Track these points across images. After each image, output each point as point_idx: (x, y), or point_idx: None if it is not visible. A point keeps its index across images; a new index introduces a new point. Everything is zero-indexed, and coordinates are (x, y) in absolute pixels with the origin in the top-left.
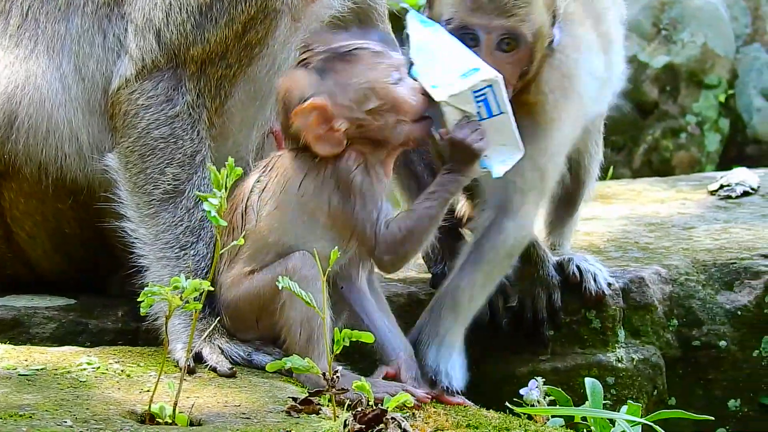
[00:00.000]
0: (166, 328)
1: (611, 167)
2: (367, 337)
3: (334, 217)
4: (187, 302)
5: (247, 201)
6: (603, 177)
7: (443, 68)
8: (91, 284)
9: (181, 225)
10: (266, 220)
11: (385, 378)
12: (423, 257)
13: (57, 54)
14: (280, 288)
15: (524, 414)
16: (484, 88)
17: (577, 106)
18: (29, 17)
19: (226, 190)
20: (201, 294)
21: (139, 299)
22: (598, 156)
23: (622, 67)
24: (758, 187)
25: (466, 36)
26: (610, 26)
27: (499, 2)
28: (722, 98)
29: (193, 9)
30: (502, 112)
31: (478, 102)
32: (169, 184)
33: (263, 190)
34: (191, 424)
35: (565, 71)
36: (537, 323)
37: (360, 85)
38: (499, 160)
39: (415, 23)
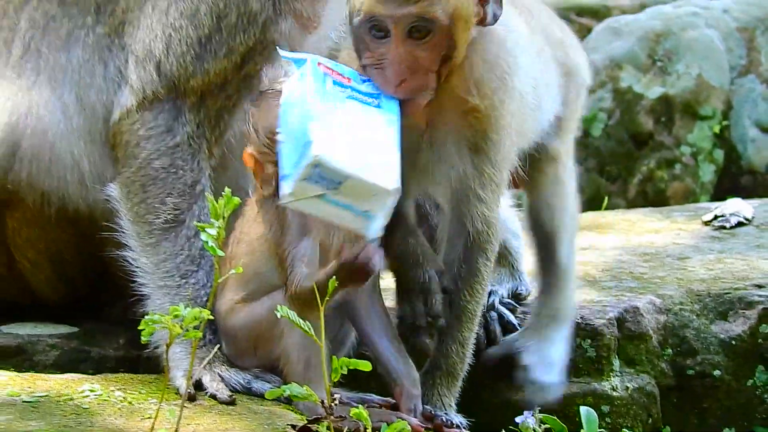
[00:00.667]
0: (166, 355)
1: (606, 197)
2: (364, 366)
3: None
4: (187, 330)
5: (239, 231)
6: (598, 207)
7: (290, 148)
8: (93, 311)
9: (182, 254)
10: (245, 250)
11: (384, 407)
12: None
13: (59, 84)
14: (278, 317)
15: None
16: (314, 168)
17: (520, 108)
18: (31, 48)
19: (224, 219)
20: (201, 322)
21: (140, 327)
22: (569, 204)
23: (552, 93)
24: (752, 217)
25: (375, 28)
26: (543, 32)
27: None
28: (717, 129)
29: (193, 41)
30: (346, 178)
31: (317, 183)
32: (169, 214)
33: (243, 222)
34: None
35: (506, 68)
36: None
37: (266, 128)
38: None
39: (287, 68)
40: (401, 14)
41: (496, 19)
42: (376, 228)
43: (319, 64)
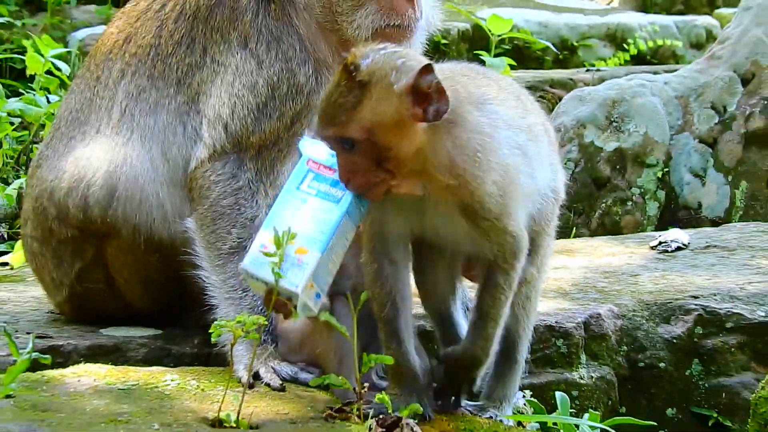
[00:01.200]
0: (231, 353)
1: (573, 228)
2: (387, 360)
3: None
4: (248, 333)
5: None
6: (567, 236)
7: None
8: (173, 318)
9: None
10: None
11: None
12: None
13: (148, 141)
14: (320, 320)
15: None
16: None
17: (504, 175)
18: (126, 113)
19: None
20: (258, 327)
21: (210, 330)
22: (533, 315)
23: (549, 177)
24: (689, 243)
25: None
26: (536, 124)
27: (326, 113)
28: (660, 174)
29: (252, 107)
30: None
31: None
32: (234, 242)
33: None
34: (251, 427)
35: (478, 147)
36: None
37: None
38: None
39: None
40: (325, 135)
41: (440, 114)
42: (302, 310)
43: (309, 161)
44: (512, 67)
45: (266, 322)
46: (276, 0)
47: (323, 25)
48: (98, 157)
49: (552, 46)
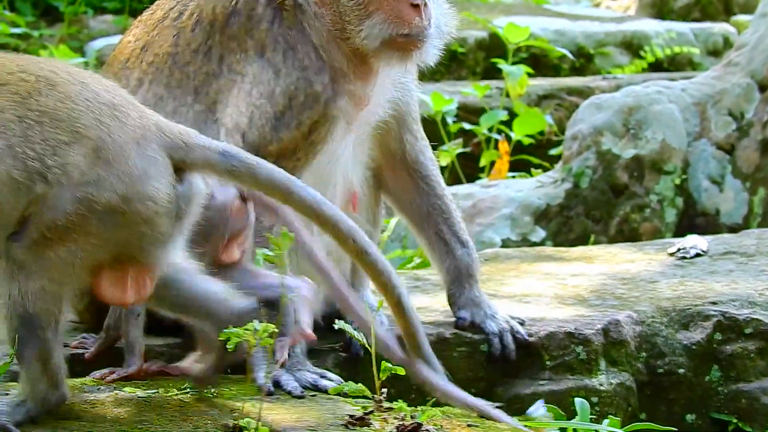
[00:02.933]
0: (248, 360)
1: (592, 235)
2: (400, 370)
3: None
4: (262, 340)
5: None
6: (585, 243)
7: None
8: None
9: None
10: None
11: None
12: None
13: None
14: (336, 329)
15: (531, 427)
16: None
17: None
18: None
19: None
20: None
21: (221, 338)
22: None
23: None
24: (707, 249)
25: None
26: None
27: None
28: (678, 181)
29: (270, 116)
30: None
31: None
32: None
33: None
34: None
35: None
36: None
37: None
38: None
39: None
40: None
41: None
42: None
43: None
44: (530, 75)
45: (277, 329)
46: (288, 8)
47: (334, 33)
48: None
49: (569, 54)
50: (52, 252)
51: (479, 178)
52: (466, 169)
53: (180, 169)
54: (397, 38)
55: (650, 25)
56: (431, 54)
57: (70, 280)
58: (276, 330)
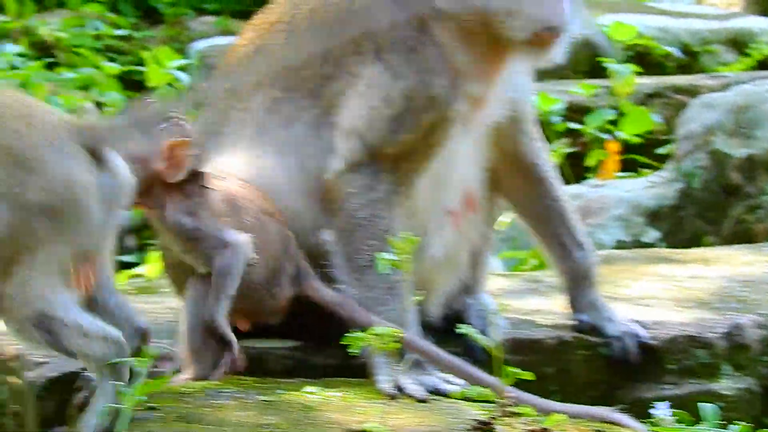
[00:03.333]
0: (371, 365)
1: (704, 237)
2: (528, 375)
3: None
4: (386, 344)
5: None
6: (697, 244)
7: None
8: (307, 330)
9: (380, 285)
10: None
11: None
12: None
13: (282, 153)
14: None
15: None
16: None
17: None
18: (261, 125)
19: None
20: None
21: (344, 342)
22: None
23: None
24: None
25: None
26: None
27: None
28: None
29: (388, 118)
30: None
31: None
32: (370, 254)
33: None
34: None
35: None
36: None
37: None
38: None
39: None
40: None
41: None
42: None
43: None
44: (637, 74)
45: (402, 333)
46: (415, 8)
47: (469, 30)
48: (234, 169)
49: (678, 52)
50: (20, 270)
51: (586, 177)
52: (574, 168)
53: (97, 156)
54: (544, 32)
55: (756, 22)
56: (562, 51)
57: (55, 280)
58: (401, 333)
